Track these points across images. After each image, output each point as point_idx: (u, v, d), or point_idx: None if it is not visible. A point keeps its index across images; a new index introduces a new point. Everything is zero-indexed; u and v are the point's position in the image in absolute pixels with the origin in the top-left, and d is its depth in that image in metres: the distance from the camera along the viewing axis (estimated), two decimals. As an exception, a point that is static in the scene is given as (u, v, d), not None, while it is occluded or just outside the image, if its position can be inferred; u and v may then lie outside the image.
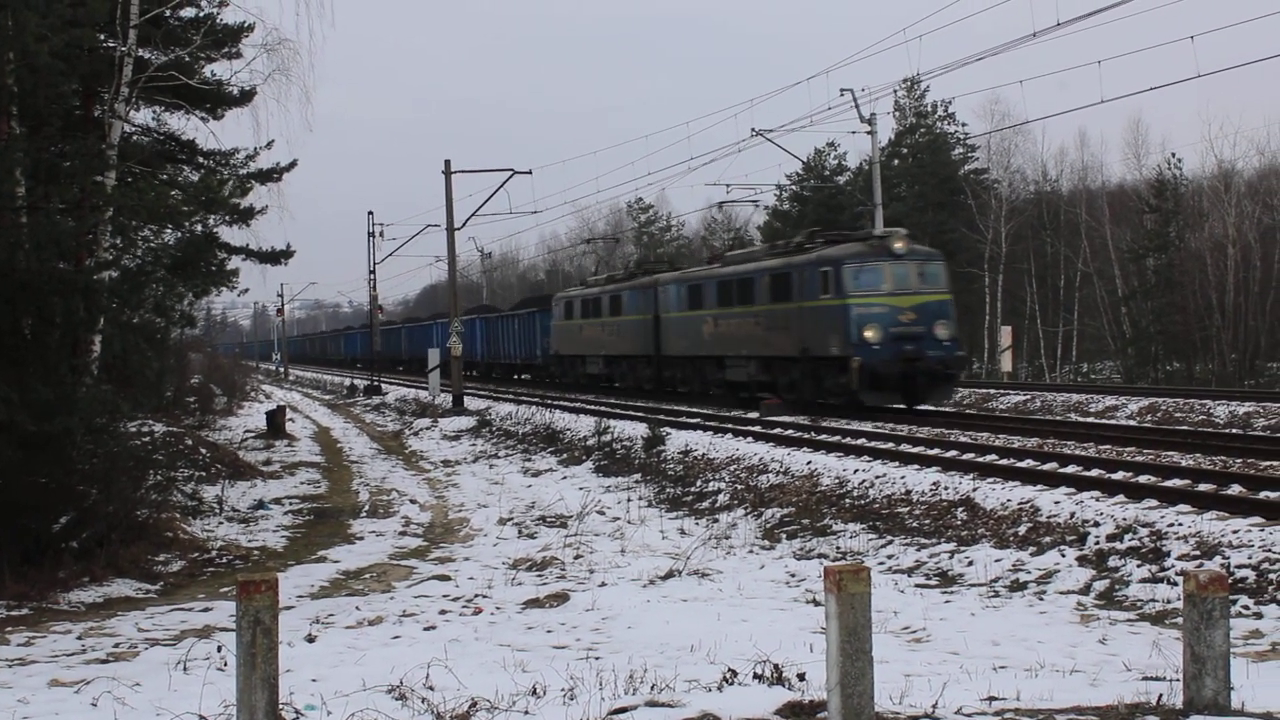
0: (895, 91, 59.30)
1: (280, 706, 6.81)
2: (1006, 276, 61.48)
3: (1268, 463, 17.34)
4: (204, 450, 26.41)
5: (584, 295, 47.41)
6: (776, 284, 31.21)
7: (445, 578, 14.44)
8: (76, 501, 15.47)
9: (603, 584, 13.49)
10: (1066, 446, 20.69)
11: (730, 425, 27.82)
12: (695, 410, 33.29)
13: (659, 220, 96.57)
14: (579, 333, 47.14)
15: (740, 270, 34.10)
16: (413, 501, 21.77)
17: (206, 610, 13.00)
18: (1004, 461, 18.85)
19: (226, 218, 22.46)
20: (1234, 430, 23.35)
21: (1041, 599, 12.15)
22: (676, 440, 25.52)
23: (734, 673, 8.05)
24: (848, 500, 17.83)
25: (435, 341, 66.44)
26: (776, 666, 8.00)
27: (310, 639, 10.97)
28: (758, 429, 26.66)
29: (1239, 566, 11.75)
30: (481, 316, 65.44)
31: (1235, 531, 12.69)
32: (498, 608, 12.51)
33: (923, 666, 9.03)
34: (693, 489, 21.00)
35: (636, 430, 27.42)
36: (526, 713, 7.65)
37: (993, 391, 37.76)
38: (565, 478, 24.62)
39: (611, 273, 51.25)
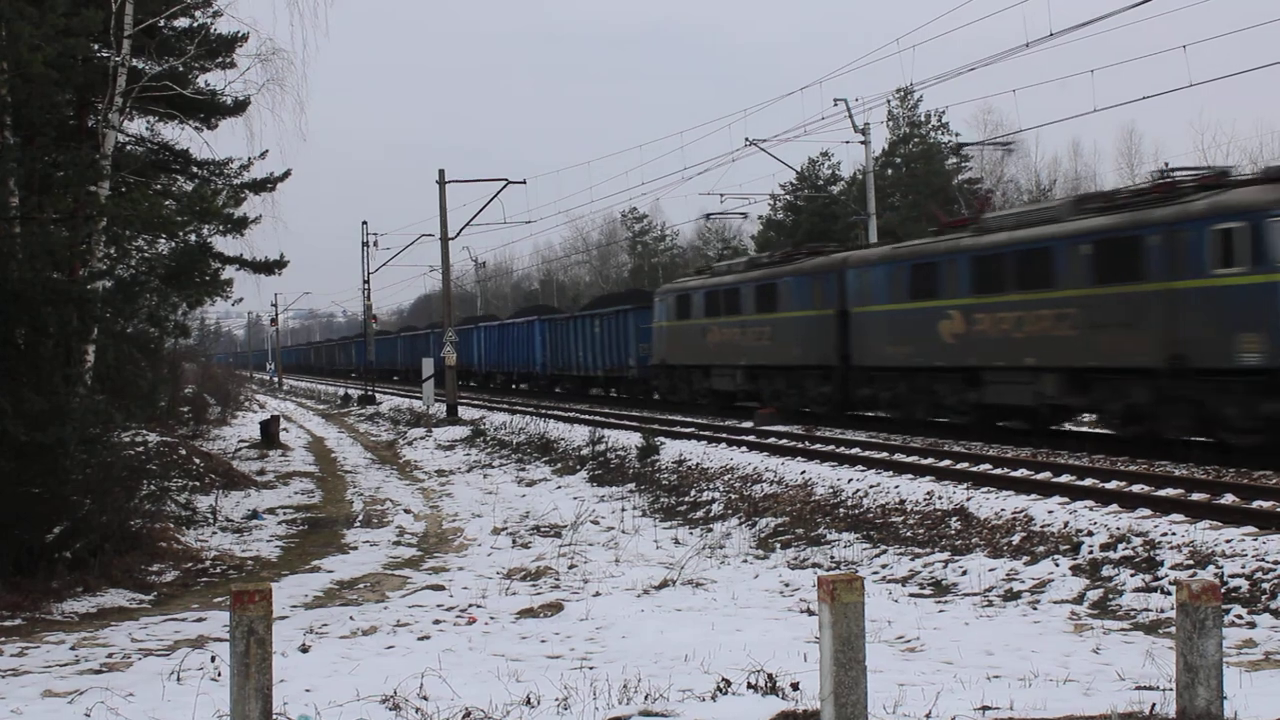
0: (888, 101, 59.42)
1: (274, 717, 6.81)
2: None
3: (1260, 472, 17.36)
4: (198, 460, 26.39)
5: (710, 286, 35.73)
6: (1110, 254, 20.52)
7: (439, 587, 14.43)
8: (70, 511, 15.44)
9: (597, 594, 13.49)
10: (1060, 456, 20.70)
11: (724, 435, 27.84)
12: (689, 420, 33.28)
13: (653, 230, 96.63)
14: (701, 336, 35.88)
15: (1024, 238, 22.70)
16: (407, 511, 21.76)
17: (200, 620, 12.98)
18: (997, 471, 18.86)
19: (220, 228, 22.46)
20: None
21: (1035, 608, 12.16)
22: (671, 450, 25.53)
23: (728, 682, 8.05)
24: (842, 510, 17.84)
25: (475, 347, 62.29)
26: (770, 676, 8.01)
27: (304, 649, 10.96)
28: (752, 438, 26.66)
29: (1232, 576, 11.76)
30: (544, 318, 54.28)
31: (1228, 541, 12.71)
32: (492, 617, 12.50)
33: (916, 676, 9.03)
34: (687, 498, 21.00)
35: (631, 440, 27.44)
36: (520, 722, 7.65)
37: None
38: (559, 487, 24.62)
39: (754, 255, 39.14)
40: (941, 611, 12.17)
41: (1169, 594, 11.38)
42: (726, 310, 34.21)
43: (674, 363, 37.96)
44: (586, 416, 36.74)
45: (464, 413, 43.52)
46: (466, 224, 51.85)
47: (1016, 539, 14.55)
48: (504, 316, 71.91)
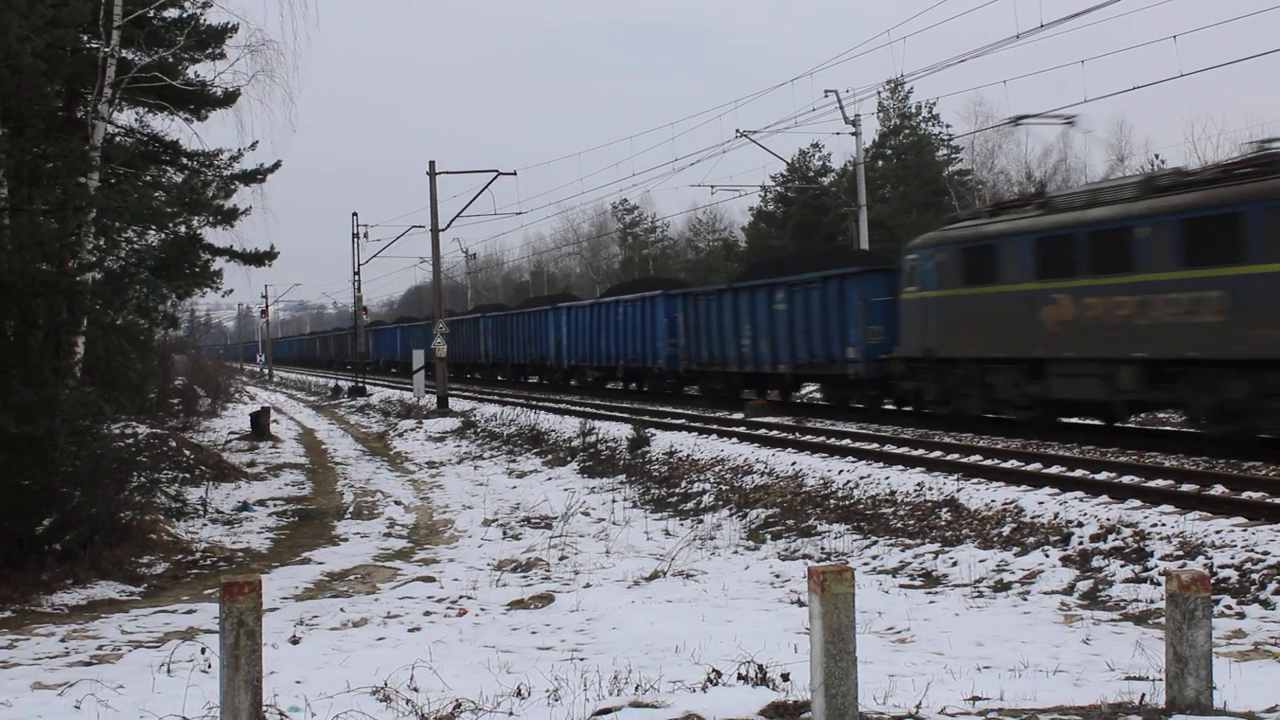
0: (879, 93, 59.42)
1: (264, 708, 6.80)
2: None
3: (1250, 463, 17.41)
4: (188, 452, 26.34)
5: (1048, 228, 21.89)
6: None
7: (430, 579, 14.43)
8: (60, 504, 15.42)
9: (587, 585, 13.49)
10: (1050, 447, 20.74)
11: (715, 426, 27.84)
12: (680, 411, 33.22)
13: (644, 221, 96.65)
14: (1026, 311, 22.11)
15: None
16: (397, 503, 21.75)
17: (190, 612, 12.97)
18: (988, 462, 18.89)
19: (210, 219, 22.43)
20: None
21: (1025, 599, 12.19)
22: (661, 441, 25.53)
23: (718, 673, 8.04)
24: (832, 501, 17.86)
25: (551, 334, 51.01)
26: (761, 667, 8.00)
27: (294, 641, 10.95)
28: (742, 430, 26.67)
29: (1222, 566, 11.80)
30: (675, 294, 40.29)
31: (1218, 531, 12.75)
32: (482, 609, 12.50)
33: (907, 667, 9.04)
34: (678, 490, 21.01)
35: (621, 431, 27.43)
36: (511, 714, 7.64)
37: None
38: (550, 479, 24.61)
39: (1154, 172, 25.93)
40: (932, 602, 12.19)
41: (1159, 585, 11.41)
42: (1094, 266, 20.92)
43: (952, 354, 24.43)
44: (578, 408, 36.67)
45: (455, 404, 43.49)
46: (457, 215, 51.57)
47: (1007, 530, 14.57)
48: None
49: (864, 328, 28.23)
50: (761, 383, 34.78)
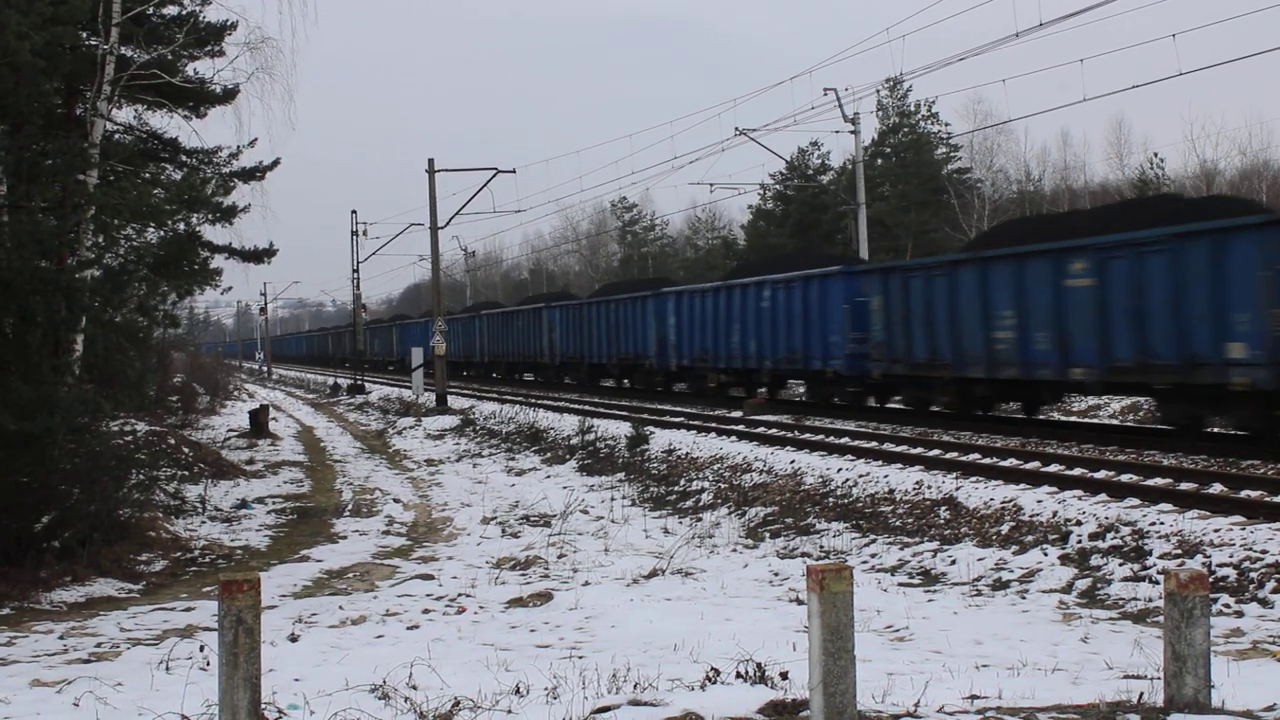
0: (878, 91, 59.41)
1: (263, 706, 6.80)
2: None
3: (1248, 461, 17.41)
4: (186, 449, 26.33)
5: None
6: None
7: (429, 577, 14.42)
8: (58, 501, 15.41)
9: (586, 583, 13.49)
10: (1049, 446, 20.74)
11: (714, 424, 27.83)
12: (679, 409, 33.18)
13: (643, 219, 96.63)
14: None
15: None
16: (396, 500, 21.74)
17: (189, 610, 12.96)
18: (987, 461, 18.89)
19: (209, 216, 22.43)
20: (1215, 430, 23.42)
21: (1024, 598, 12.18)
22: (660, 439, 25.53)
23: (717, 671, 8.04)
24: (831, 499, 17.86)
25: (650, 325, 40.27)
26: (759, 665, 8.00)
27: (293, 638, 10.95)
28: (741, 428, 26.66)
29: (1220, 565, 11.80)
30: (862, 270, 30.21)
31: (1216, 530, 12.75)
32: (481, 607, 12.50)
33: (905, 665, 9.04)
34: (676, 488, 21.00)
35: (620, 429, 27.43)
36: (509, 712, 7.64)
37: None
38: (549, 477, 24.61)
39: None
40: (930, 601, 12.19)
41: (1157, 583, 11.41)
42: None
43: None
44: (576, 406, 36.61)
45: (453, 402, 43.47)
46: (456, 213, 51.17)
47: (1005, 528, 14.58)
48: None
49: (1267, 311, 17.77)
50: (1026, 392, 24.77)
